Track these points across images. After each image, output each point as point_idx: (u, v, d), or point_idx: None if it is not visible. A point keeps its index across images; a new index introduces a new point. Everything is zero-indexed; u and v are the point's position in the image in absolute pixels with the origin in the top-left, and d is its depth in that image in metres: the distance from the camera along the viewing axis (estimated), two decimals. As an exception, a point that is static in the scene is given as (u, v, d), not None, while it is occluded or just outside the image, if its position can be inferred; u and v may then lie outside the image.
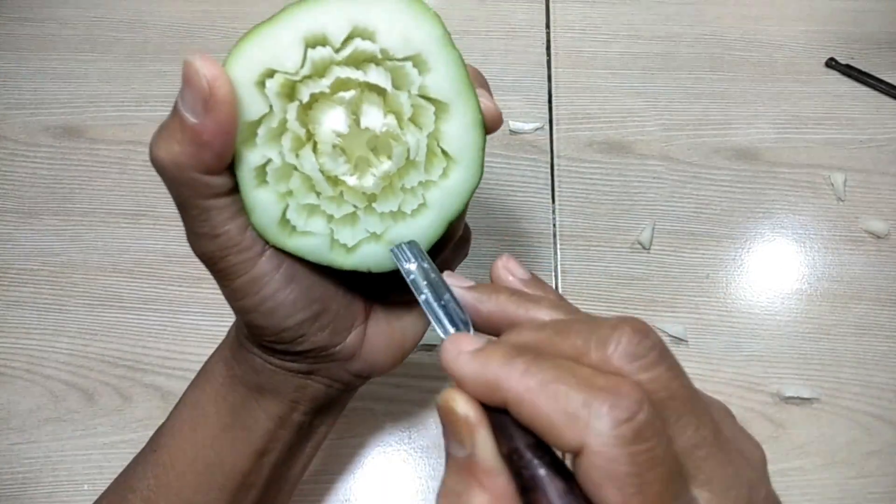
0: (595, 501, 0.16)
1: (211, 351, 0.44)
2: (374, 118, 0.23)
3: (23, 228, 0.48)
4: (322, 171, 0.23)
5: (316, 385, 0.28)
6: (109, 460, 0.41)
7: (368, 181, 0.24)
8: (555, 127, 0.51)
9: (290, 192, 0.23)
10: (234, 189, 0.23)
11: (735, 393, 0.43)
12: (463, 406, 0.19)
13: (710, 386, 0.43)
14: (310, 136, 0.23)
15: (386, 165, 0.23)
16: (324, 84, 0.22)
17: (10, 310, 0.45)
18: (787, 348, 0.44)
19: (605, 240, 0.47)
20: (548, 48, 0.54)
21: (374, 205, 0.24)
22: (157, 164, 0.22)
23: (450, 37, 0.23)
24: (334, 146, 0.23)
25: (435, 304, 0.23)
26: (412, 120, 0.23)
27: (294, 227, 0.24)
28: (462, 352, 0.19)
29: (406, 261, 0.24)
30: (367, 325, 0.28)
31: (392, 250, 0.24)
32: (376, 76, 0.23)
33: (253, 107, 0.22)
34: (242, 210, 0.23)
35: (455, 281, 0.24)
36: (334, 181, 0.24)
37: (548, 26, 0.55)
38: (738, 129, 0.51)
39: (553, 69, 0.53)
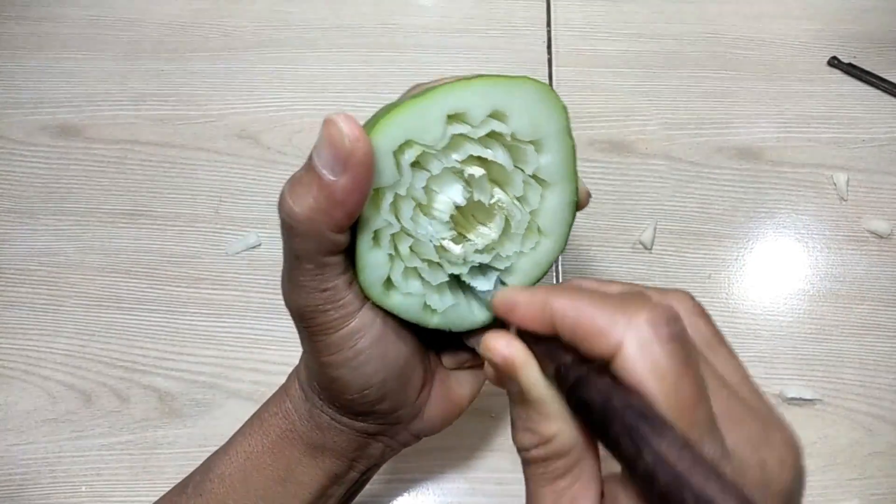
0: (636, 393, 0.17)
1: (206, 351, 0.44)
2: (487, 191, 0.25)
3: (20, 228, 0.48)
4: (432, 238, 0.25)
5: (377, 444, 0.28)
6: (107, 461, 0.41)
7: (469, 249, 0.25)
8: (556, 126, 0.51)
9: (398, 254, 0.24)
10: (350, 247, 0.24)
11: (737, 394, 0.43)
12: (504, 346, 0.20)
13: (711, 387, 0.43)
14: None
15: (492, 234, 0.25)
16: (454, 159, 0.24)
17: (6, 310, 0.45)
18: (790, 349, 0.44)
19: (607, 239, 0.47)
20: (549, 47, 0.54)
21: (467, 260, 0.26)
22: (290, 217, 0.22)
23: (570, 128, 0.25)
24: (451, 216, 0.25)
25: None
26: (519, 198, 0.25)
27: (395, 287, 0.25)
28: (515, 290, 0.21)
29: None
30: (433, 386, 0.28)
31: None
32: (503, 157, 0.24)
33: (386, 173, 0.23)
34: (349, 266, 0.24)
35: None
36: (440, 248, 0.25)
37: (549, 25, 0.55)
38: (741, 128, 0.51)
39: (554, 68, 0.53)
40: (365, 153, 0.21)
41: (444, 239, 0.25)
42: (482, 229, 0.26)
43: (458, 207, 0.25)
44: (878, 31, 0.54)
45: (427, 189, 0.24)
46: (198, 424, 0.42)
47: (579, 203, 0.26)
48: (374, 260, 0.24)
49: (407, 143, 0.23)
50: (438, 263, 0.25)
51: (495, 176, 0.25)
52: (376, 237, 0.24)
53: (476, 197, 0.25)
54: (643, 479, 0.16)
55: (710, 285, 0.46)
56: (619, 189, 0.48)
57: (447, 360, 0.29)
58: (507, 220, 0.26)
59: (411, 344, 0.27)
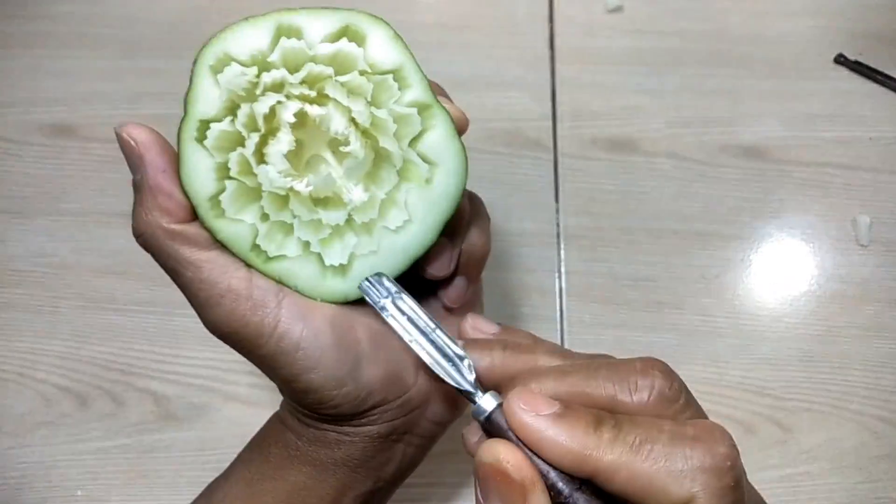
0: None
1: (203, 354, 0.44)
2: (339, 122, 0.23)
3: (14, 229, 0.47)
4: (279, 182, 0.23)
5: (396, 447, 0.26)
6: (103, 465, 0.41)
7: (321, 183, 0.23)
8: (558, 124, 0.50)
9: (226, 173, 0.23)
10: (218, 244, 0.23)
11: (742, 397, 0.42)
12: (517, 467, 0.18)
13: (717, 389, 0.42)
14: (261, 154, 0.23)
15: (357, 153, 0.23)
16: (294, 79, 0.23)
17: (1, 312, 0.45)
18: (796, 350, 0.43)
19: (611, 239, 0.46)
20: (551, 44, 0.53)
21: (354, 216, 0.24)
22: (137, 238, 0.22)
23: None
24: (286, 154, 0.23)
25: (423, 341, 0.23)
26: (375, 127, 0.24)
27: (224, 212, 0.23)
28: (539, 415, 0.19)
29: (379, 296, 0.24)
30: None
31: (361, 286, 0.24)
32: (351, 79, 0.23)
33: (208, 101, 0.22)
34: (237, 265, 0.23)
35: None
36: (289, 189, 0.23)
37: (551, 21, 0.54)
38: (746, 126, 0.50)
39: (556, 65, 0.52)
40: (146, 136, 0.22)
41: (281, 174, 0.23)
42: (331, 157, 0.24)
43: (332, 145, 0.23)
44: (885, 28, 0.54)
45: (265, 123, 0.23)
46: (194, 428, 0.41)
47: (458, 129, 0.24)
48: (194, 162, 0.22)
49: (224, 60, 0.22)
50: (285, 199, 0.23)
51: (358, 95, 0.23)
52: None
53: (332, 129, 0.23)
54: None
55: (715, 286, 0.45)
56: (623, 188, 0.48)
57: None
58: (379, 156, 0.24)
59: (367, 318, 0.24)
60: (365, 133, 0.24)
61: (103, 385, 0.43)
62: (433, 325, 0.23)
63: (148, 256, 0.48)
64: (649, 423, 0.19)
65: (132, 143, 0.22)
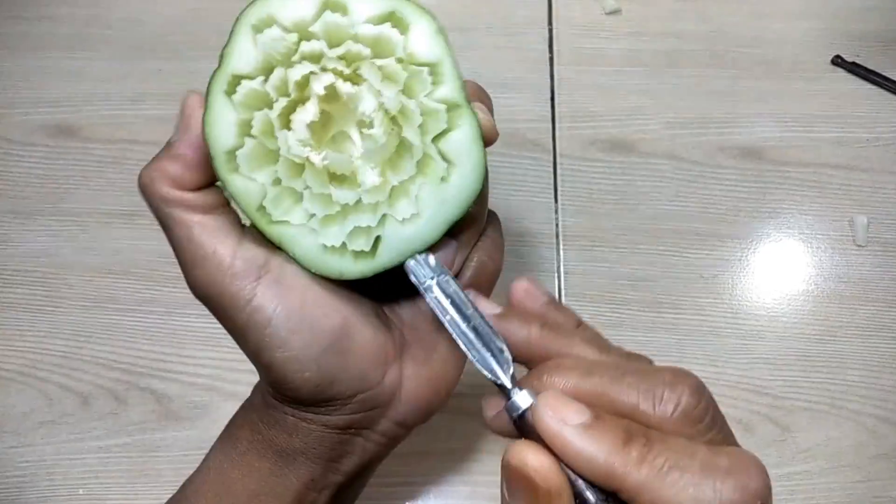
0: None
1: (204, 353, 0.44)
2: (368, 103, 0.23)
3: (17, 229, 0.47)
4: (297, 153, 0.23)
5: (357, 441, 0.26)
6: (104, 464, 0.41)
7: (337, 160, 0.23)
8: (557, 125, 0.50)
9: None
10: (217, 210, 0.24)
11: (741, 396, 0.42)
12: (544, 476, 0.18)
13: (715, 389, 0.42)
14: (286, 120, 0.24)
15: (377, 138, 0.23)
16: (332, 54, 0.23)
17: (3, 311, 0.45)
18: (794, 350, 0.44)
19: (609, 240, 0.47)
20: (550, 45, 0.53)
21: (362, 197, 0.24)
22: (139, 185, 0.23)
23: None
24: (308, 124, 0.23)
25: (464, 327, 0.22)
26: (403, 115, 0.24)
27: (238, 165, 0.23)
28: (568, 424, 0.19)
29: (425, 276, 0.23)
30: (403, 362, 0.25)
31: (407, 264, 0.24)
32: (386, 65, 0.23)
33: (244, 57, 0.23)
34: (227, 234, 0.23)
35: (483, 305, 0.23)
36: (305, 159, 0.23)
37: (550, 23, 0.54)
38: (743, 127, 0.50)
39: (555, 66, 0.52)
40: (198, 116, 0.22)
41: (309, 153, 0.23)
42: (354, 137, 0.24)
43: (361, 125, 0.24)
44: (882, 29, 0.54)
45: (297, 97, 0.23)
46: (196, 427, 0.42)
47: (485, 138, 0.24)
48: (219, 114, 0.23)
49: (267, 21, 0.22)
50: (300, 167, 0.23)
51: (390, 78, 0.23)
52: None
53: (360, 108, 0.23)
54: None
55: (713, 286, 0.45)
56: (621, 189, 0.48)
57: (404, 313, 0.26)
58: (401, 144, 0.23)
59: (348, 313, 0.24)
60: (392, 120, 0.24)
61: (105, 384, 0.43)
62: (478, 314, 0.23)
63: (149, 256, 0.48)
64: (681, 446, 0.18)
65: (189, 111, 0.23)
